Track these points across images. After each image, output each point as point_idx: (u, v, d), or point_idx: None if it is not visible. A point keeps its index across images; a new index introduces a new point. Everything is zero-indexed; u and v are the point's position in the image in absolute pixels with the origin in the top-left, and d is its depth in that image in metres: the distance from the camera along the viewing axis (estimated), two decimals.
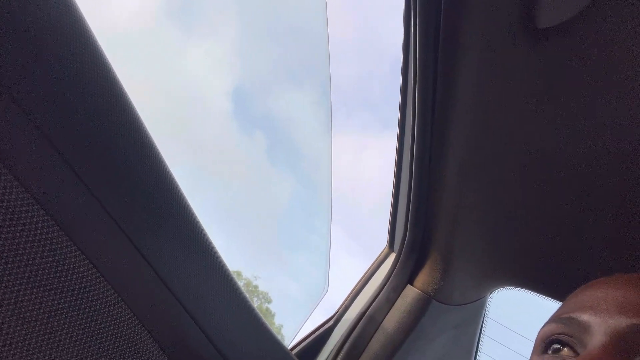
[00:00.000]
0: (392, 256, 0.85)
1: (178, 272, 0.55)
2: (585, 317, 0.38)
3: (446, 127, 0.69)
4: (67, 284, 0.47)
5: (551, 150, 0.64)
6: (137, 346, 0.53)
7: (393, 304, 0.79)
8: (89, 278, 0.48)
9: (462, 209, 0.74)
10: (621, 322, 0.36)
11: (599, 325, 0.37)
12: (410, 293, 0.80)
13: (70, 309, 0.48)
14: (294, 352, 0.77)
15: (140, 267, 0.51)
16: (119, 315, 0.51)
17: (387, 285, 0.81)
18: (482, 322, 0.92)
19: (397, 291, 0.80)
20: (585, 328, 0.38)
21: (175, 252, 0.54)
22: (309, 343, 0.80)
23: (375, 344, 0.76)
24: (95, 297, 0.49)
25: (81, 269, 0.48)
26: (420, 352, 0.83)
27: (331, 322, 0.83)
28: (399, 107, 0.75)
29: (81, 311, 0.48)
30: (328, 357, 0.76)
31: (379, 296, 0.80)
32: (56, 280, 0.47)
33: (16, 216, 0.43)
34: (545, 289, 0.78)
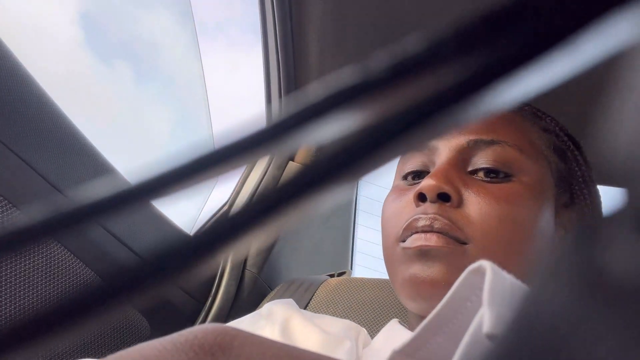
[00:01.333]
0: None
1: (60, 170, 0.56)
2: (433, 141, 0.46)
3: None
4: None
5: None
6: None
7: (278, 180, 0.88)
8: None
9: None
10: (461, 140, 0.45)
11: (444, 145, 0.46)
12: (292, 167, 0.89)
13: None
14: None
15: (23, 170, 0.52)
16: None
17: (271, 165, 0.89)
18: (357, 182, 1.06)
19: (281, 168, 0.88)
20: (434, 150, 0.47)
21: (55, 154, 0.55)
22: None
23: None
24: None
25: None
26: (309, 216, 0.95)
27: (226, 207, 0.90)
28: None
29: None
30: None
31: (265, 176, 0.88)
32: None
33: None
34: None
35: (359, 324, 0.67)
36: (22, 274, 0.53)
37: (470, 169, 0.45)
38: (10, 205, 0.50)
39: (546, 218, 0.45)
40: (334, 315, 0.69)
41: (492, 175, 0.44)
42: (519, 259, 0.42)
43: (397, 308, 0.67)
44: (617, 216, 0.08)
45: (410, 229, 0.43)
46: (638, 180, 0.07)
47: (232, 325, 0.49)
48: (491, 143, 0.45)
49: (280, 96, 0.83)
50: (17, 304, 0.52)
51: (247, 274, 0.84)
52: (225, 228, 0.10)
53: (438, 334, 0.24)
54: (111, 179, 0.62)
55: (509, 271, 0.42)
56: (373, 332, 0.64)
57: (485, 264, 0.22)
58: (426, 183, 0.43)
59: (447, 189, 0.42)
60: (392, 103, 0.09)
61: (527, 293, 0.08)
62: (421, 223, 0.42)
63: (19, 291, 0.53)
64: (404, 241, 0.44)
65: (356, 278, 0.79)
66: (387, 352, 0.42)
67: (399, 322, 0.48)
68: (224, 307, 0.79)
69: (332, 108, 0.10)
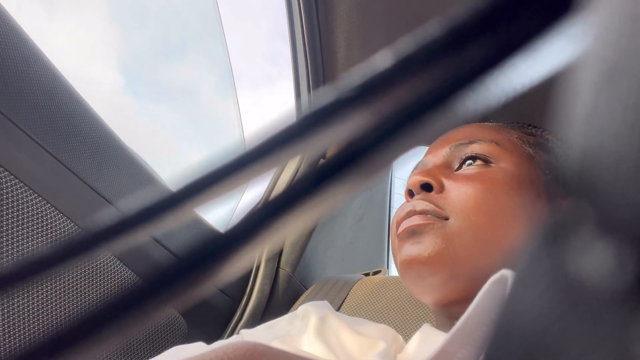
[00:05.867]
0: None
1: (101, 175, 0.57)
2: (426, 157, 0.53)
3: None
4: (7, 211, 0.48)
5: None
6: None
7: None
8: (21, 195, 0.50)
9: None
10: (445, 149, 0.51)
11: (433, 156, 0.52)
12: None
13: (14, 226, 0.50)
14: None
15: (65, 175, 0.53)
16: (55, 224, 0.53)
17: (302, 164, 0.89)
18: (391, 181, 1.05)
19: (312, 166, 0.88)
20: (425, 164, 0.52)
21: (94, 158, 0.56)
22: None
23: None
24: (32, 212, 0.51)
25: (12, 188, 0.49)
26: (343, 214, 0.94)
27: (260, 206, 0.90)
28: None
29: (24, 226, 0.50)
30: None
31: (296, 176, 0.88)
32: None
33: None
34: None
35: (396, 323, 0.66)
36: (71, 280, 0.54)
37: (455, 167, 0.50)
38: (70, 221, 0.52)
39: (532, 203, 0.47)
40: (370, 314, 0.68)
41: (471, 162, 0.48)
42: (503, 235, 0.44)
43: None
44: (581, 220, 0.08)
45: (401, 220, 0.47)
46: (598, 186, 0.07)
47: (268, 325, 0.49)
48: (470, 143, 0.50)
49: (309, 90, 0.83)
50: (68, 308, 0.54)
51: (281, 272, 0.84)
52: (251, 224, 0.10)
53: (464, 346, 0.23)
54: (156, 189, 0.63)
55: (493, 246, 0.43)
56: (412, 330, 0.63)
57: (508, 273, 0.22)
58: (411, 179, 0.48)
59: (427, 179, 0.47)
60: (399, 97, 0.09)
61: (508, 299, 0.08)
62: (406, 210, 0.47)
63: (69, 296, 0.54)
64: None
65: (392, 277, 0.78)
66: (420, 358, 0.41)
67: (431, 325, 0.47)
68: (259, 305, 0.79)
69: (354, 102, 0.10)
